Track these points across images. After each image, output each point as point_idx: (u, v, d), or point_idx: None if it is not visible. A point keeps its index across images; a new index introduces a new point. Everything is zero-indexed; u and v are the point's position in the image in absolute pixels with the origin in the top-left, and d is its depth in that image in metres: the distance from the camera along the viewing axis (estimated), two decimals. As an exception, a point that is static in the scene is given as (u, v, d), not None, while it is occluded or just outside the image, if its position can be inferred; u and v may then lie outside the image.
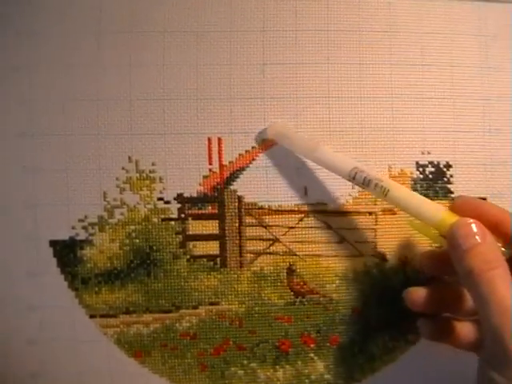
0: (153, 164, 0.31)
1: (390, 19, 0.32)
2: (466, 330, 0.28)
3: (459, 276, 0.25)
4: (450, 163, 0.32)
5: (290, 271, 0.31)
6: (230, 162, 0.31)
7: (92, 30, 0.31)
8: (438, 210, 0.26)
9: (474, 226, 0.24)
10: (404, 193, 0.27)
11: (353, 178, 0.28)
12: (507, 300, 0.22)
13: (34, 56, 0.31)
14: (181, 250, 0.31)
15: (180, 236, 0.31)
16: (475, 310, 0.28)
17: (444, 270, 0.29)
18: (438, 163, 0.32)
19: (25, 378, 0.31)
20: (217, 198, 0.31)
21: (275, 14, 0.32)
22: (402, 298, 0.30)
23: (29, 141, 0.31)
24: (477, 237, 0.24)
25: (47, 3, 0.31)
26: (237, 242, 0.31)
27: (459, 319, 0.29)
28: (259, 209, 0.31)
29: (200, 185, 0.31)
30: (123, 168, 0.31)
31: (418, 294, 0.29)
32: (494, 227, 0.25)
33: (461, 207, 0.27)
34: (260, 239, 0.31)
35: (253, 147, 0.31)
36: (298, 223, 0.31)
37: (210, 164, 0.31)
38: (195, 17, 0.32)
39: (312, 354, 0.32)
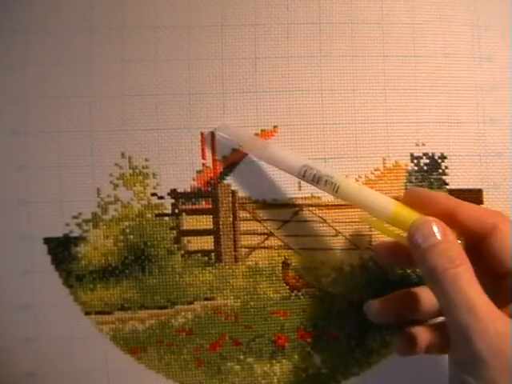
0: (146, 160, 0.31)
1: (381, 11, 0.32)
2: (430, 335, 0.27)
3: (422, 274, 0.24)
4: (445, 154, 0.32)
5: (285, 265, 0.31)
6: (223, 157, 0.31)
7: (84, 26, 0.31)
8: (389, 204, 0.26)
9: (433, 223, 0.24)
10: (355, 188, 0.26)
11: (303, 175, 0.27)
12: (473, 298, 0.22)
13: (27, 54, 0.31)
14: (175, 246, 0.31)
15: (174, 231, 0.31)
16: (436, 311, 0.28)
17: (399, 261, 0.29)
18: (433, 155, 0.32)
19: (21, 376, 0.31)
20: (211, 193, 0.31)
21: (266, 8, 0.32)
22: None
23: (22, 139, 0.31)
24: (438, 234, 0.23)
25: (40, 1, 0.31)
26: (231, 236, 0.31)
27: (424, 326, 0.28)
28: (253, 203, 0.31)
29: (194, 180, 0.31)
30: (116, 164, 0.31)
31: (374, 307, 0.29)
32: (447, 217, 0.24)
33: (412, 199, 0.26)
34: (254, 233, 0.31)
35: (246, 141, 0.31)
36: (292, 217, 0.31)
37: (204, 159, 0.31)
38: (187, 11, 0.32)
39: (309, 349, 0.31)
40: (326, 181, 0.27)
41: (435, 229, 0.24)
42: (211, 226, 0.31)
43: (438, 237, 0.23)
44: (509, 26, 0.33)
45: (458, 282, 0.22)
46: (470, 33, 0.33)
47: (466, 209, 0.25)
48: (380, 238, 0.31)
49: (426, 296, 0.28)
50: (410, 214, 0.25)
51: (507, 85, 0.33)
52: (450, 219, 0.25)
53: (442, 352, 0.27)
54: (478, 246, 0.25)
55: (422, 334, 0.27)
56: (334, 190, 0.26)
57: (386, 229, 0.26)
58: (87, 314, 0.31)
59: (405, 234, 0.25)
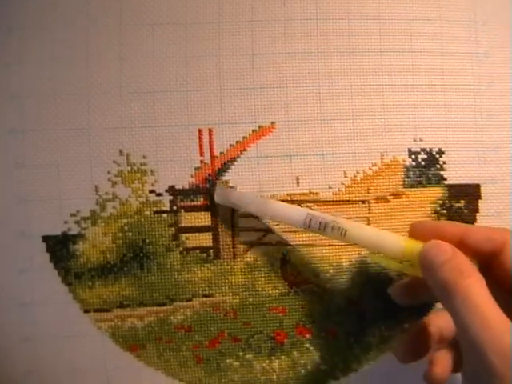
0: (144, 157, 0.31)
1: (378, 6, 0.32)
2: (452, 357, 0.27)
3: (435, 295, 0.24)
4: (443, 150, 0.32)
5: (284, 261, 0.31)
6: (221, 153, 0.31)
7: (81, 23, 0.31)
8: (398, 241, 0.26)
9: (442, 244, 0.24)
10: (362, 230, 0.27)
11: (308, 225, 0.27)
12: (485, 310, 0.21)
13: (23, 52, 0.31)
14: (173, 243, 0.31)
15: (172, 228, 0.31)
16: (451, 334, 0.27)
17: (415, 298, 0.29)
18: (431, 150, 0.32)
19: (20, 375, 0.31)
20: (209, 190, 0.31)
21: (263, 4, 0.32)
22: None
23: (19, 137, 0.31)
24: (446, 252, 0.24)
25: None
26: (229, 233, 0.31)
27: (444, 352, 0.27)
28: (251, 199, 0.31)
29: (192, 176, 0.31)
30: (114, 161, 0.31)
31: (399, 353, 0.29)
32: (457, 243, 0.25)
33: (419, 232, 0.27)
34: (253, 230, 0.31)
35: (244, 137, 0.31)
36: (290, 213, 0.31)
37: (202, 155, 0.31)
38: (184, 8, 0.32)
39: (308, 345, 0.31)
40: (333, 226, 0.27)
41: (444, 248, 0.24)
42: (209, 223, 0.31)
43: (447, 254, 0.24)
44: (506, 21, 0.33)
45: (469, 294, 0.22)
46: (468, 28, 0.33)
47: (474, 231, 0.26)
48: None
49: (443, 321, 0.28)
50: (420, 247, 0.25)
51: (504, 80, 0.33)
52: (460, 244, 0.25)
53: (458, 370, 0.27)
54: (490, 265, 0.25)
55: (445, 359, 0.27)
56: (342, 234, 0.27)
57: (396, 264, 0.27)
58: (86, 311, 0.31)
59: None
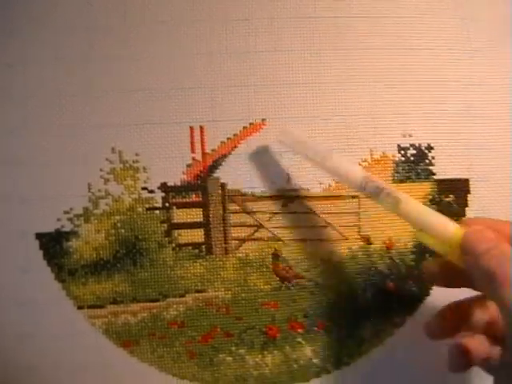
0: (136, 154, 0.32)
1: (370, 4, 0.33)
2: (488, 347, 0.26)
3: (475, 281, 0.24)
4: (432, 145, 0.33)
5: (275, 256, 0.32)
6: (212, 150, 0.32)
7: (82, 24, 0.32)
8: (449, 226, 0.25)
9: (485, 230, 0.24)
10: (416, 205, 0.26)
11: (363, 188, 0.27)
12: None
13: (26, 53, 0.31)
14: (166, 239, 0.31)
15: (165, 225, 0.31)
16: (488, 323, 0.27)
17: (446, 281, 0.28)
18: (420, 145, 0.33)
19: (19, 371, 0.31)
20: (200, 186, 0.32)
21: (258, 2, 0.32)
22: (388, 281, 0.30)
23: (12, 134, 0.31)
24: (490, 240, 0.23)
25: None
26: (221, 229, 0.32)
27: (480, 338, 0.27)
28: (243, 195, 0.32)
29: (183, 173, 0.32)
30: (107, 159, 0.31)
31: (431, 326, 0.28)
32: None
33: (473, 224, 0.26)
34: (244, 226, 0.32)
35: (234, 135, 0.32)
36: (281, 209, 0.32)
37: (193, 152, 0.32)
38: (173, 7, 0.32)
39: (300, 339, 0.32)
40: (388, 193, 0.26)
41: (487, 235, 0.24)
42: (201, 219, 0.32)
43: (491, 242, 0.23)
44: (497, 19, 0.33)
45: None
46: (459, 25, 0.33)
47: None
48: (369, 228, 0.32)
49: (476, 307, 0.28)
50: None
51: (494, 77, 0.33)
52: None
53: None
54: None
55: (479, 347, 0.26)
56: (395, 203, 0.26)
57: (441, 248, 0.26)
58: (80, 308, 0.31)
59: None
